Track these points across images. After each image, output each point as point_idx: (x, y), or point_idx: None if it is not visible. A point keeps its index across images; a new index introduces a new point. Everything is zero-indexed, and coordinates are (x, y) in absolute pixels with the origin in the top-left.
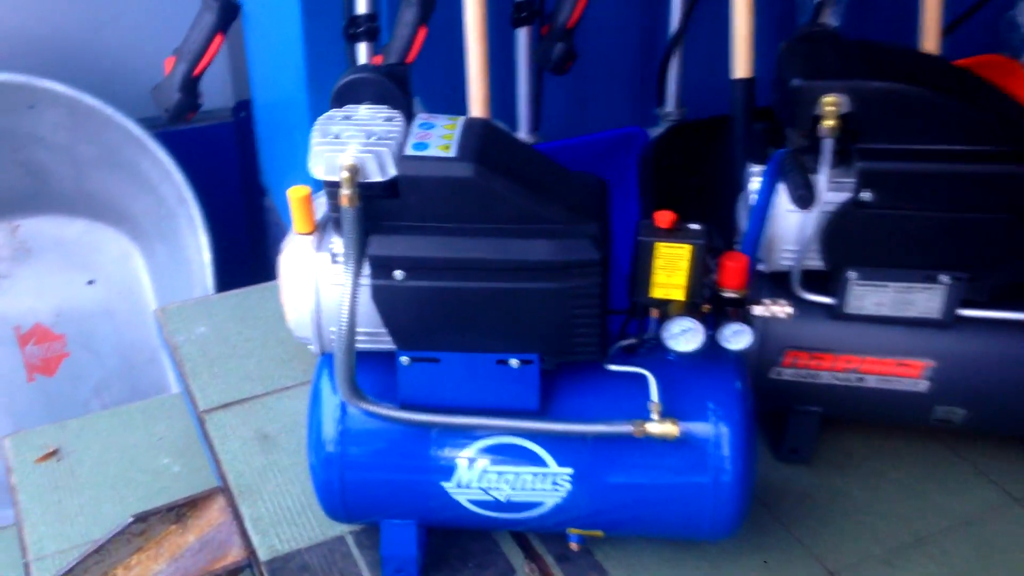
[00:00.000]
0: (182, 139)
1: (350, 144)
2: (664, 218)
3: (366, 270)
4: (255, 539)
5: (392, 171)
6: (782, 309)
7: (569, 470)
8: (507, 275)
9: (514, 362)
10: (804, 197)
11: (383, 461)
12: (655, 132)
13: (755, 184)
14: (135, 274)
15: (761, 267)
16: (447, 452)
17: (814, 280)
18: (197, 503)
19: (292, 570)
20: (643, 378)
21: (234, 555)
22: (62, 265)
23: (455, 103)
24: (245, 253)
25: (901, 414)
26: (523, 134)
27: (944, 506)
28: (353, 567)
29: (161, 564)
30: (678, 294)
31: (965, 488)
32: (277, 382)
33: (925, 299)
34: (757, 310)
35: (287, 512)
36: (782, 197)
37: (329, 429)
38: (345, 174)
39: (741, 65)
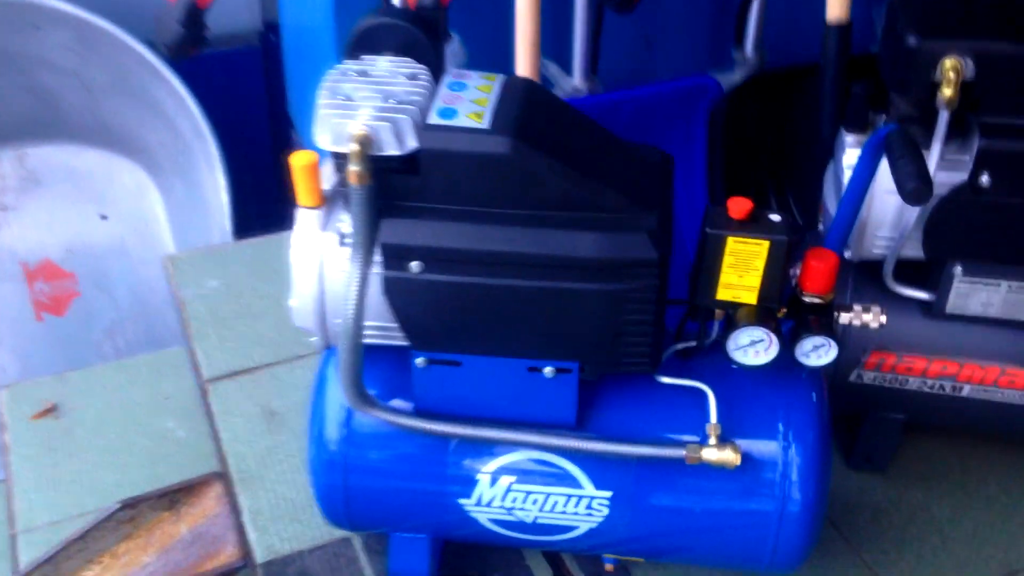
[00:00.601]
0: (203, 66)
1: (362, 108)
2: (739, 206)
3: (377, 258)
4: (252, 536)
5: (412, 143)
6: (875, 318)
7: (607, 493)
8: (546, 272)
9: (549, 371)
10: (919, 191)
11: (392, 470)
12: (729, 81)
13: (850, 158)
14: (151, 210)
15: (848, 255)
16: (467, 466)
17: (908, 271)
18: (192, 489)
19: (291, 575)
20: (701, 393)
21: (228, 553)
22: (73, 197)
23: (501, 43)
24: (270, 194)
25: (1002, 428)
26: (577, 80)
27: None
28: (358, 575)
29: (151, 555)
30: (749, 297)
31: None
32: (291, 349)
33: None
34: (844, 318)
35: (290, 506)
36: (882, 176)
37: (333, 429)
38: (354, 146)
39: (836, 5)
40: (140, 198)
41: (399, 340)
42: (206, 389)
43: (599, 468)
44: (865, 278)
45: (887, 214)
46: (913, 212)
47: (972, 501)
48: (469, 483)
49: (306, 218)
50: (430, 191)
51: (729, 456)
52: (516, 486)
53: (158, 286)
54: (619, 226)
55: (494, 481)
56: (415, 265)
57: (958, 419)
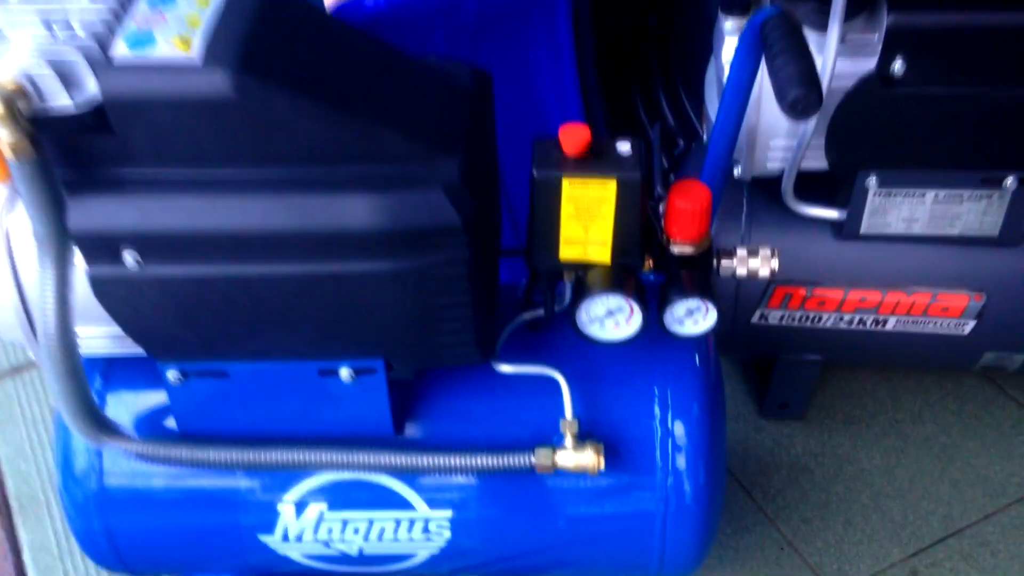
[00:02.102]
0: None
1: (12, 44)
2: (573, 137)
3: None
4: None
5: (92, 90)
6: (765, 263)
7: (446, 513)
8: (311, 253)
9: (346, 373)
10: (802, 101)
11: (166, 507)
12: None
13: (729, 51)
14: None
15: (737, 172)
16: (263, 496)
17: (812, 186)
18: None
19: None
20: (551, 382)
21: None
22: None
23: None
24: None
25: (933, 362)
26: None
27: (993, 479)
28: None
29: None
30: (600, 254)
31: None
32: None
33: (978, 211)
34: (726, 267)
35: None
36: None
37: (80, 461)
38: None
39: None
40: None
41: (140, 350)
42: None
43: (432, 484)
44: (762, 199)
45: (780, 118)
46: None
47: (907, 445)
48: (269, 515)
49: None
50: (133, 154)
51: (590, 460)
52: (329, 514)
53: None
54: (405, 181)
55: (300, 510)
56: (129, 257)
57: (884, 356)
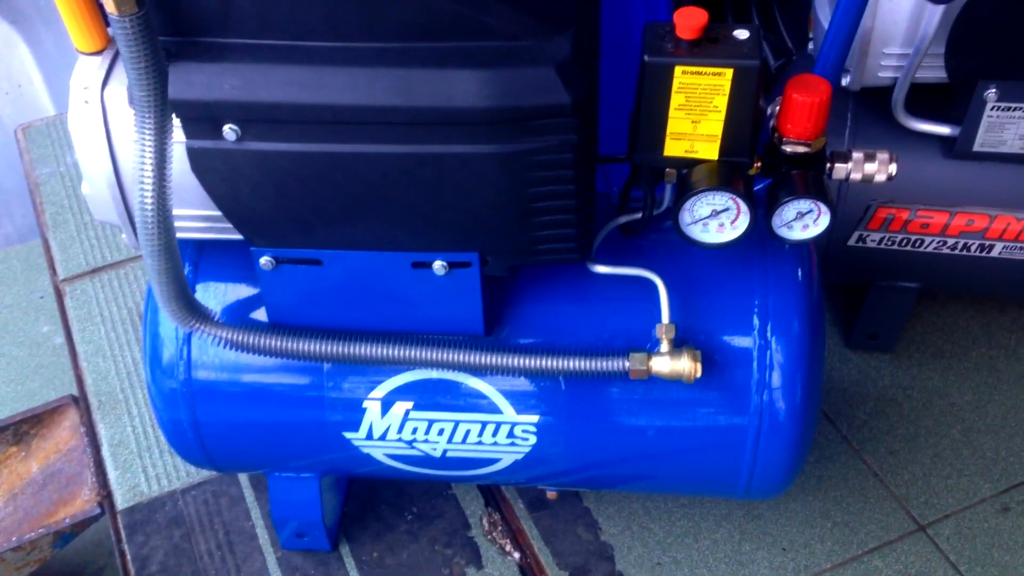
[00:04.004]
0: None
1: None
2: (690, 21)
3: (179, 123)
4: (113, 475)
5: None
6: (883, 168)
7: (533, 418)
8: (416, 132)
9: (439, 266)
10: None
11: (252, 400)
12: None
13: None
14: (22, 68)
15: (845, 81)
16: (349, 392)
17: (924, 100)
18: (42, 419)
19: (158, 524)
20: (649, 284)
21: (84, 498)
22: None
23: None
24: None
25: None
26: None
27: None
28: (243, 519)
29: None
30: (708, 151)
31: None
32: None
33: None
34: (840, 171)
35: (161, 435)
36: None
37: (170, 350)
38: None
39: None
40: (6, 54)
41: (236, 233)
42: (61, 290)
43: (519, 389)
44: (868, 112)
45: (898, 22)
46: (934, 16)
47: (1000, 382)
48: (354, 413)
49: (84, 69)
50: (237, 22)
51: (686, 366)
52: (415, 414)
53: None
54: (515, 58)
55: (386, 409)
56: (230, 130)
57: (986, 285)
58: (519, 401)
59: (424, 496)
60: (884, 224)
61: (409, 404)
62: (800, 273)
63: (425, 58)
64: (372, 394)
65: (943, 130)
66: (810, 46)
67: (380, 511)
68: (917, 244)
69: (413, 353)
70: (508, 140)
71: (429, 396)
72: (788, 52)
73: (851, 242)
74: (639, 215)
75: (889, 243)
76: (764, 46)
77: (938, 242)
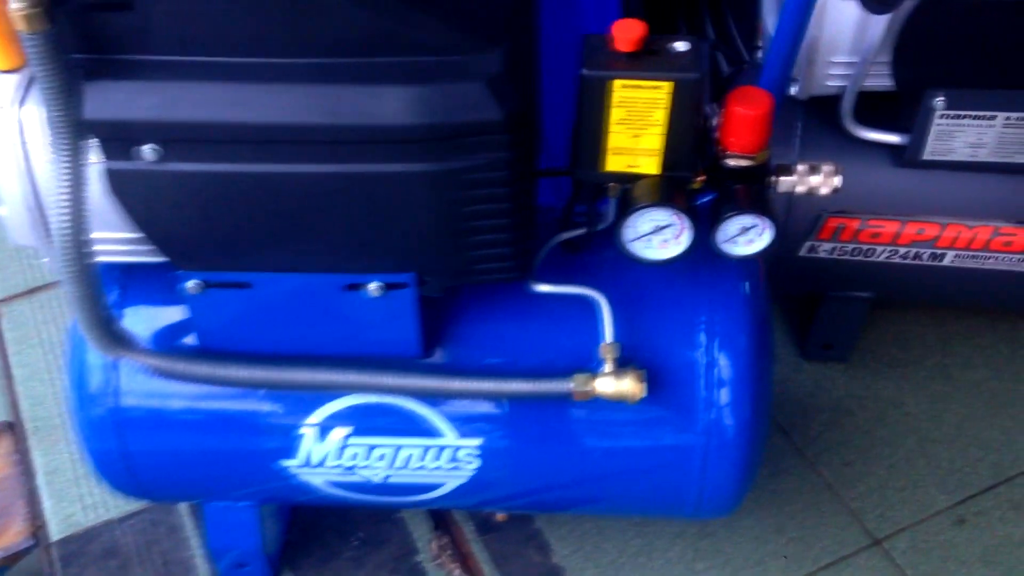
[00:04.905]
0: None
1: None
2: (627, 33)
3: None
4: (47, 505)
5: None
6: (827, 180)
7: (476, 441)
8: (343, 151)
9: (374, 287)
10: None
11: (185, 429)
12: None
13: None
14: None
15: (794, 90)
16: (284, 418)
17: (873, 108)
18: None
19: (94, 555)
20: (590, 304)
21: (16, 530)
22: None
23: None
24: None
25: (991, 302)
26: None
27: None
28: (182, 549)
29: None
30: (649, 166)
31: None
32: None
33: None
34: (784, 184)
35: None
36: None
37: (97, 377)
38: None
39: None
40: None
41: (159, 256)
42: None
43: (462, 411)
44: (818, 122)
45: (844, 30)
46: (880, 24)
47: (955, 391)
48: (291, 439)
49: (0, 87)
50: (156, 38)
51: (630, 387)
52: (354, 439)
53: None
54: (444, 74)
55: (324, 434)
56: (149, 150)
57: (939, 293)
58: (461, 424)
59: (370, 520)
60: (835, 234)
61: (348, 429)
62: (747, 287)
63: (352, 74)
64: (309, 420)
65: (892, 139)
66: (759, 55)
67: (325, 537)
68: (869, 254)
69: (348, 378)
70: (439, 158)
71: (368, 421)
72: (742, 61)
73: (802, 252)
74: (583, 231)
75: (840, 253)
76: (713, 57)
77: (889, 251)
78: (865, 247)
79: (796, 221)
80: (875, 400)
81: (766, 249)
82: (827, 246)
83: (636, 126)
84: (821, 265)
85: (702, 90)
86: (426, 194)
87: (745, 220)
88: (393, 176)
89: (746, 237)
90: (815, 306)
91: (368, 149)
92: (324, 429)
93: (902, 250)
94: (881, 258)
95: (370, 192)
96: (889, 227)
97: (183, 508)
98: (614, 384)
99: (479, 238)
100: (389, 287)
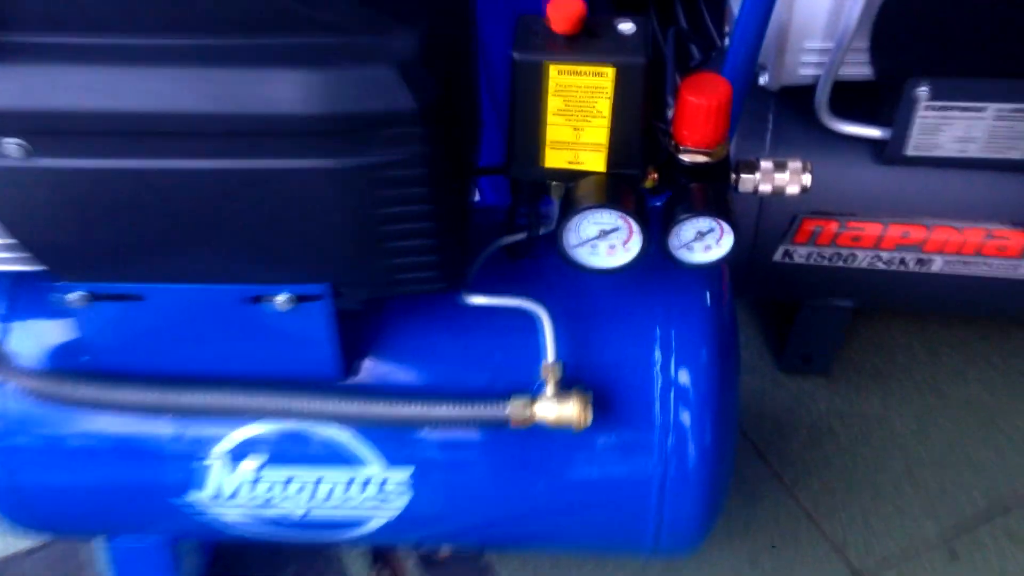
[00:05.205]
0: None
1: None
2: (564, 12)
3: None
4: None
5: None
6: (795, 178)
7: (405, 472)
8: (236, 144)
9: (283, 300)
10: None
11: (80, 460)
12: None
13: None
14: None
15: (764, 80)
16: (189, 446)
17: (851, 100)
18: None
19: None
20: (531, 317)
21: None
22: None
23: None
24: None
25: (982, 311)
26: None
27: None
28: None
29: None
30: (594, 162)
31: None
32: None
33: None
34: (747, 183)
35: None
36: None
37: None
38: None
39: None
40: None
41: (36, 263)
42: None
43: (389, 438)
44: (791, 114)
45: (817, 14)
46: (855, 8)
47: (945, 406)
48: (197, 470)
49: None
50: (21, 13)
51: (574, 412)
52: (269, 470)
53: None
54: (350, 56)
55: (235, 464)
56: (14, 145)
57: (927, 302)
58: (389, 452)
59: (303, 553)
60: (811, 238)
61: (261, 458)
62: (708, 297)
63: (243, 56)
64: (217, 448)
65: (872, 132)
66: (727, 41)
67: (253, 572)
68: (849, 259)
69: (254, 402)
70: (346, 153)
71: (284, 448)
72: (714, 45)
73: (776, 257)
74: (520, 237)
75: (818, 258)
76: (683, 45)
77: (872, 256)
78: (845, 252)
79: (769, 223)
80: (858, 417)
81: (726, 257)
82: (803, 250)
83: (577, 117)
84: (797, 271)
85: (650, 77)
86: (333, 194)
87: (701, 223)
88: (293, 173)
89: (703, 243)
90: (792, 314)
91: (263, 142)
92: (235, 458)
93: (885, 255)
94: (862, 264)
95: (269, 192)
96: (870, 230)
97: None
98: (556, 409)
99: (399, 244)
100: (300, 299)
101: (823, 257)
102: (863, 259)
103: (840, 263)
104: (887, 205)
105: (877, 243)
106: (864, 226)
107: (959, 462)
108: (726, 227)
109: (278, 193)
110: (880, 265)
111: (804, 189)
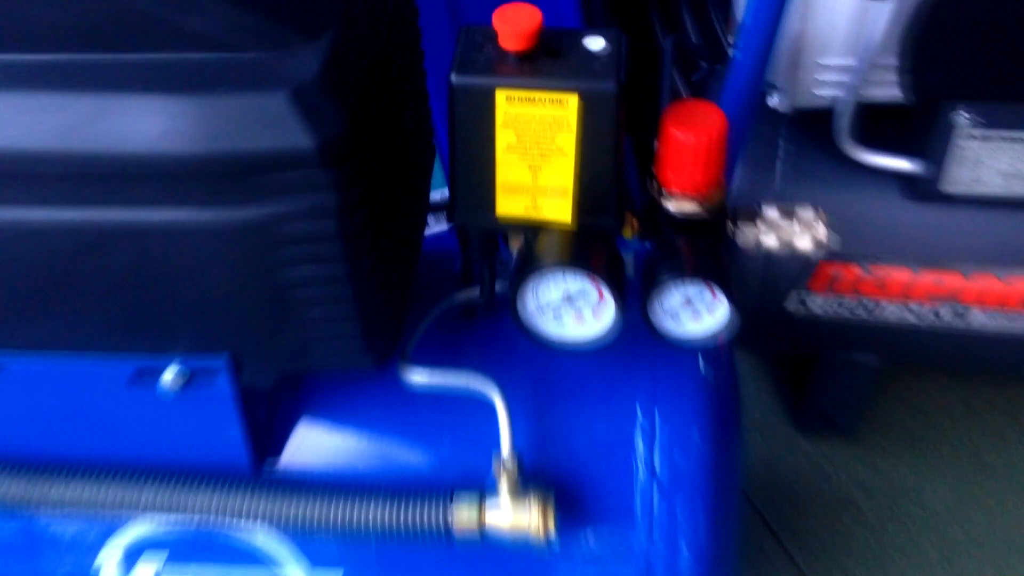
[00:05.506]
0: None
1: None
2: (514, 24)
3: None
4: None
5: None
6: (808, 231)
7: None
8: (89, 192)
9: (171, 376)
10: None
11: None
12: None
13: None
14: None
15: (774, 101)
16: (73, 545)
17: (877, 125)
18: None
19: None
20: (483, 402)
21: None
22: None
23: None
24: None
25: None
26: None
27: None
28: None
29: None
30: (556, 211)
31: None
32: None
33: None
34: (746, 237)
35: None
36: None
37: None
38: None
39: None
40: None
41: None
42: None
43: (312, 536)
44: (804, 141)
45: (837, 24)
46: (883, 17)
47: (986, 476)
48: (83, 572)
49: None
50: None
51: (533, 519)
52: (168, 572)
53: None
54: (229, 78)
55: (128, 567)
56: None
57: (962, 361)
58: (312, 553)
59: None
60: (830, 284)
61: (159, 561)
62: (700, 362)
63: (92, 78)
64: (107, 548)
65: (903, 164)
66: (731, 52)
67: None
68: (873, 310)
69: (145, 496)
70: (229, 204)
71: (187, 549)
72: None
73: (790, 306)
74: (471, 294)
75: (837, 308)
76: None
77: (900, 308)
78: (869, 302)
79: (780, 265)
80: (886, 488)
81: (721, 330)
82: (820, 300)
83: (533, 155)
84: (814, 322)
85: (621, 104)
86: (215, 253)
87: (690, 288)
88: (162, 228)
89: (691, 312)
90: (810, 364)
91: (122, 189)
92: (128, 559)
93: (916, 306)
94: (889, 315)
95: (133, 249)
96: (899, 276)
97: None
98: (511, 514)
99: (309, 313)
100: (193, 375)
101: (843, 307)
102: (889, 310)
103: (863, 314)
104: (918, 248)
105: (906, 292)
106: (891, 272)
107: (1001, 542)
108: (720, 294)
109: (147, 251)
110: (909, 318)
111: (819, 244)
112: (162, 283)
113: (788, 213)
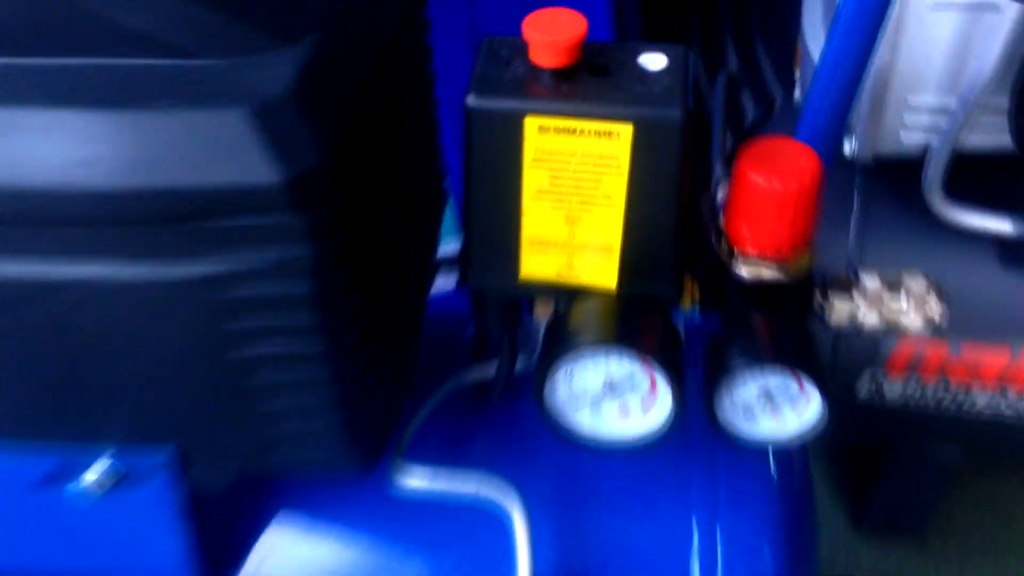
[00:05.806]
0: None
1: None
2: (552, 33)
3: None
4: None
5: None
6: (921, 307)
7: None
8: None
9: (95, 475)
10: None
11: None
12: None
13: None
14: None
15: (850, 148)
16: None
17: (971, 179)
18: None
19: None
20: (497, 513)
21: None
22: None
23: None
24: None
25: None
26: None
27: None
28: None
29: None
30: (600, 274)
31: None
32: None
33: None
34: (839, 311)
35: None
36: None
37: None
38: None
39: None
40: None
41: None
42: None
43: None
44: (886, 195)
45: (932, 57)
46: (991, 48)
47: None
48: None
49: None
50: None
51: None
52: None
53: None
54: (180, 91)
55: None
56: None
57: None
58: None
59: None
60: (911, 366)
61: None
62: (772, 466)
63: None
64: None
65: (1003, 226)
66: (797, 92)
67: None
68: (960, 400)
69: None
70: (173, 256)
71: None
72: (772, 97)
73: (862, 392)
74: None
75: (919, 396)
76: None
77: (989, 400)
78: (958, 390)
79: (850, 343)
80: None
81: (810, 433)
82: (897, 387)
83: (570, 202)
84: (889, 410)
85: (688, 137)
86: (155, 321)
87: (770, 379)
88: (84, 287)
89: (769, 408)
90: (879, 461)
91: (30, 234)
92: None
93: (1013, 396)
94: (982, 405)
95: (53, 311)
96: (995, 359)
97: None
98: None
99: (275, 402)
100: (128, 473)
101: (926, 395)
102: (982, 400)
103: (950, 404)
104: (1020, 325)
105: (1002, 377)
106: (987, 353)
107: None
108: (811, 387)
109: (64, 315)
110: (1006, 410)
111: (931, 324)
112: (86, 356)
113: (893, 284)
